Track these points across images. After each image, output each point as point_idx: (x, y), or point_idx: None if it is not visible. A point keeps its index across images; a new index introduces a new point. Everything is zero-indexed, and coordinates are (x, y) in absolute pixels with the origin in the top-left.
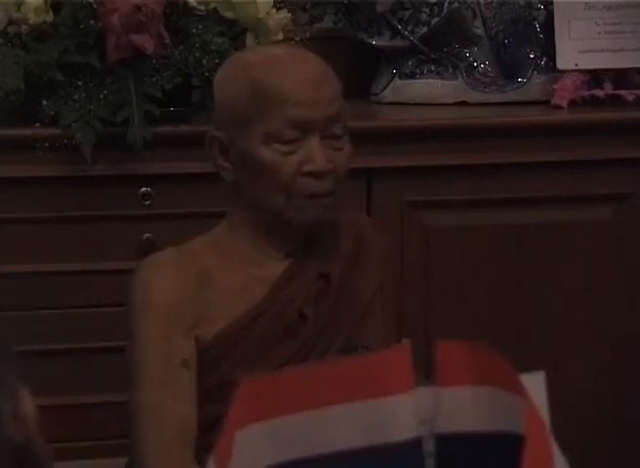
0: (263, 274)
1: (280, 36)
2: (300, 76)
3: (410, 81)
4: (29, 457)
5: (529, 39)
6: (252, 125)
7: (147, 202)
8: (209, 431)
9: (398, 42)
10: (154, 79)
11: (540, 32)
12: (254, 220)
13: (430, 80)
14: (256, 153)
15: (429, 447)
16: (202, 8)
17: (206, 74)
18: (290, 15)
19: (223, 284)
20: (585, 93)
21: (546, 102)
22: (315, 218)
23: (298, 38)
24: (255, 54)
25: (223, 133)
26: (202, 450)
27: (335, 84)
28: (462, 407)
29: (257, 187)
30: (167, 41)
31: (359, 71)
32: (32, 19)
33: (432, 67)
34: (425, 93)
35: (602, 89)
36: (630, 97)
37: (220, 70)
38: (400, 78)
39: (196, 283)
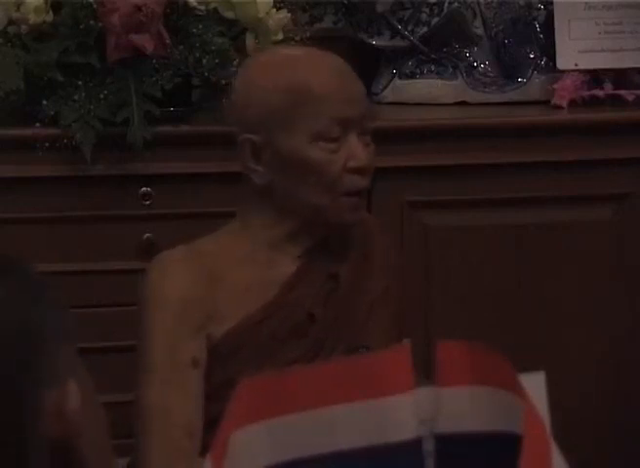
0: (274, 274)
1: (280, 36)
2: (336, 74)
3: (410, 81)
4: (68, 455)
5: (529, 39)
6: (294, 125)
7: (147, 202)
8: (214, 429)
9: (398, 42)
10: (154, 79)
11: (540, 32)
12: (278, 222)
13: (430, 80)
14: (302, 153)
15: (429, 447)
16: (202, 8)
17: (206, 74)
18: (290, 15)
19: (234, 283)
20: (585, 93)
21: (546, 102)
22: (359, 217)
23: (298, 38)
24: (282, 55)
25: (257, 135)
26: (206, 449)
27: (360, 81)
28: (462, 407)
29: (299, 187)
30: (167, 41)
31: (359, 71)
32: (32, 19)
33: (432, 67)
34: (425, 93)
35: (602, 89)
36: (630, 97)
37: (244, 73)
38: (400, 78)
39: (207, 281)
